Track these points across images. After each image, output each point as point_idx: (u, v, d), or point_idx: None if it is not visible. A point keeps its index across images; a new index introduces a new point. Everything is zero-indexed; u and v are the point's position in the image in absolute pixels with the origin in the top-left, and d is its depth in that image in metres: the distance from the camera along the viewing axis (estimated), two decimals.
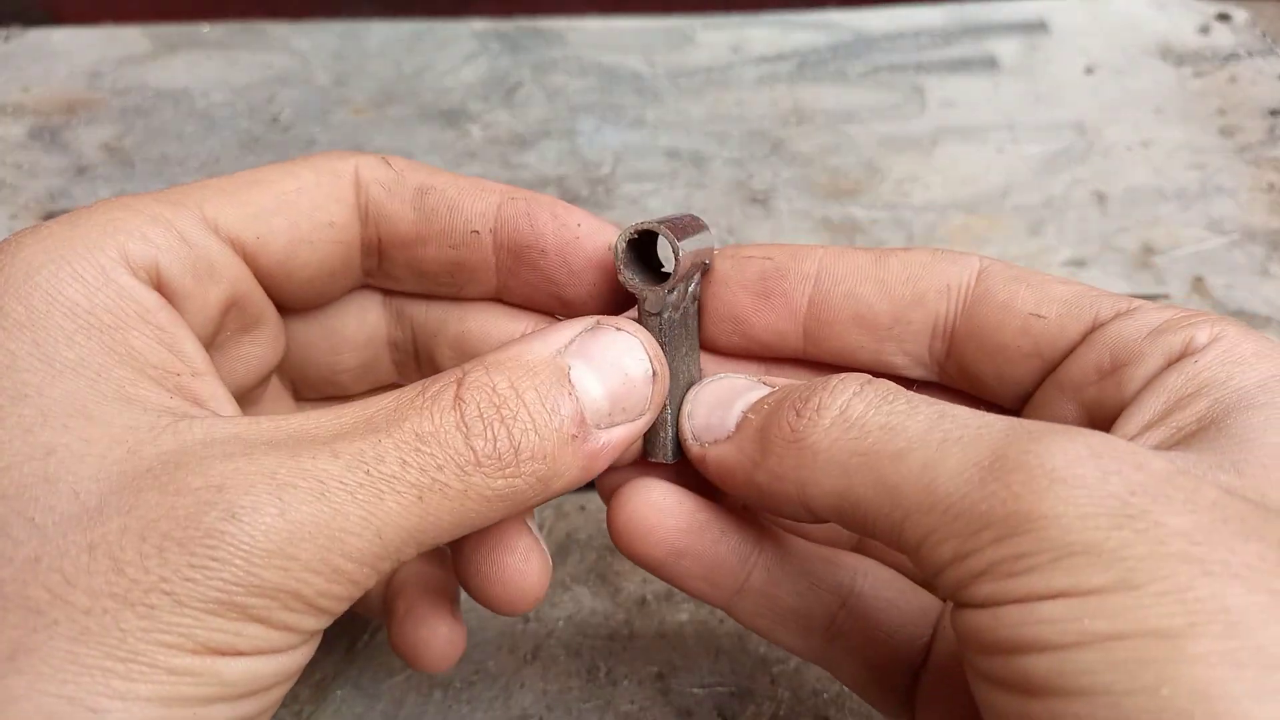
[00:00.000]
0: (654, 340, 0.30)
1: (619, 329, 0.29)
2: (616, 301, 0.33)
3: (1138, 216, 0.66)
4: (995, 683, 0.22)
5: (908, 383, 0.28)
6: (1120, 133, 0.73)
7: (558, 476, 0.27)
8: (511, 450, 0.26)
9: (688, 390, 0.32)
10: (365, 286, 0.35)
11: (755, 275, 0.32)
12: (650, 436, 0.32)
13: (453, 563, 0.33)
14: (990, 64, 0.80)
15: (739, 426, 0.30)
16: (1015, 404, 0.32)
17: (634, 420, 0.29)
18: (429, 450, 0.25)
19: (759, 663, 0.43)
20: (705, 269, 0.33)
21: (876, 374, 0.28)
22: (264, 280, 0.31)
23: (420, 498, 0.24)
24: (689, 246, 0.30)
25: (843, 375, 0.28)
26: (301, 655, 0.25)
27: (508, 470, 0.26)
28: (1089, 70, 0.79)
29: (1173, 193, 0.68)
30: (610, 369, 0.28)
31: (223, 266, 0.29)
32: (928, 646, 0.32)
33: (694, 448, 0.31)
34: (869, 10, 0.85)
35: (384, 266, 0.34)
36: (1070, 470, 0.22)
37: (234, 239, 0.30)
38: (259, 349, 0.32)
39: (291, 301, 0.33)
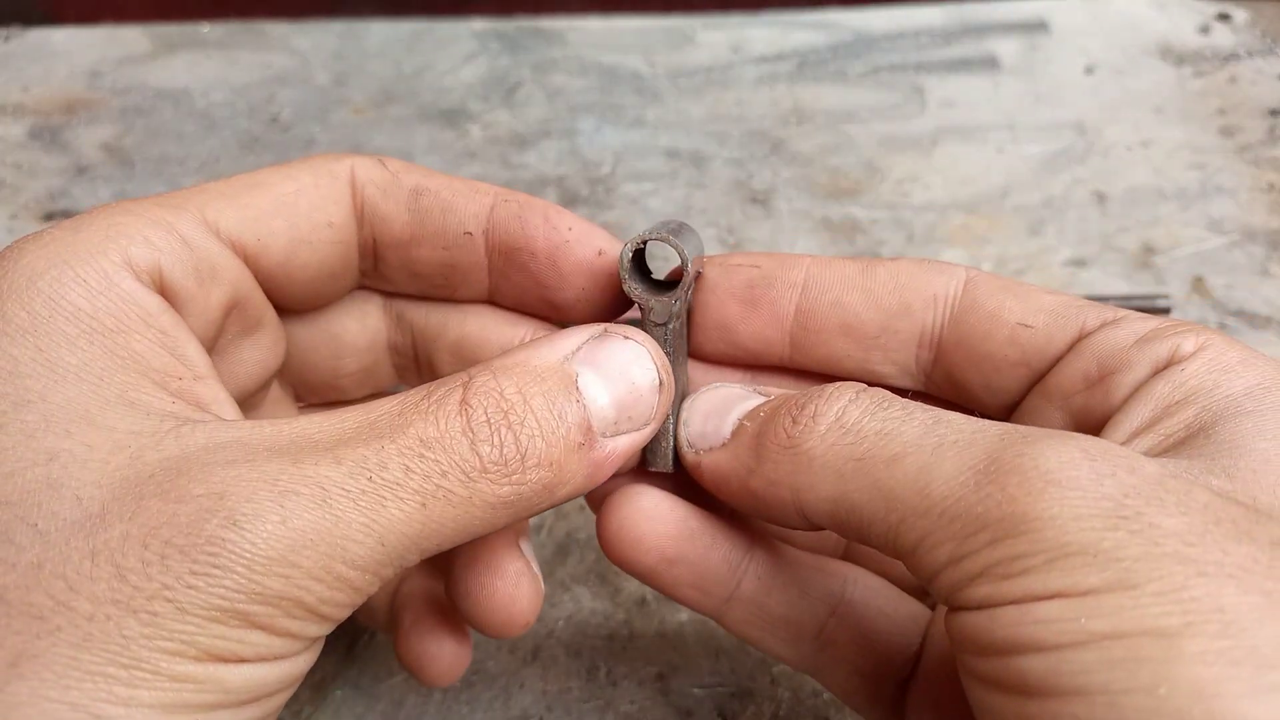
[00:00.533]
0: (660, 350, 0.30)
1: (627, 338, 0.29)
2: (605, 306, 0.33)
3: (1138, 216, 0.66)
4: (991, 684, 0.22)
5: (900, 392, 0.28)
6: (1120, 133, 0.73)
7: (563, 484, 0.27)
8: (518, 456, 0.25)
9: (683, 398, 0.32)
10: (363, 288, 0.36)
11: (743, 283, 0.32)
12: (651, 445, 0.32)
13: (445, 585, 0.33)
14: (990, 64, 0.80)
15: (734, 434, 0.30)
16: (1002, 413, 0.32)
17: (639, 429, 0.29)
18: (433, 456, 0.25)
19: (759, 663, 0.43)
20: (697, 277, 0.33)
21: (864, 383, 0.28)
22: (264, 282, 0.31)
23: (424, 504, 0.24)
24: (690, 255, 0.31)
25: (838, 383, 0.28)
26: (304, 661, 0.25)
27: (514, 477, 0.25)
28: (1089, 70, 0.79)
29: (1173, 193, 0.68)
30: (618, 377, 0.28)
31: (224, 269, 0.29)
32: (917, 655, 0.32)
33: (689, 455, 0.31)
34: (869, 10, 0.85)
35: (379, 268, 0.34)
36: (1065, 473, 0.22)
37: (235, 241, 0.30)
38: (259, 353, 0.32)
39: (291, 303, 0.33)
